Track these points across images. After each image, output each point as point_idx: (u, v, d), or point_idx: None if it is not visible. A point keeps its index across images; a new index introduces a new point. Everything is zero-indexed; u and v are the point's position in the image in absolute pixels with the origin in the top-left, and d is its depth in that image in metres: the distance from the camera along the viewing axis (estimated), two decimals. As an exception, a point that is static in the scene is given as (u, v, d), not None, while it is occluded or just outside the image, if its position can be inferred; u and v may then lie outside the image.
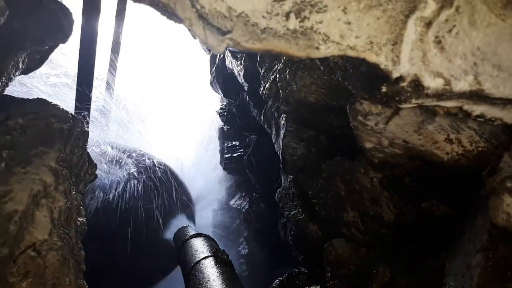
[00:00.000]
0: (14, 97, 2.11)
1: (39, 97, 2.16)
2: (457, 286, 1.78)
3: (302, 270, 3.58)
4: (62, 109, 2.16)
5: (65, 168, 1.99)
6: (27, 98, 2.13)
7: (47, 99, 2.16)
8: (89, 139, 2.44)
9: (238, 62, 4.59)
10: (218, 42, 1.35)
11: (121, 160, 5.30)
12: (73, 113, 2.20)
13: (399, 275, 2.51)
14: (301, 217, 3.44)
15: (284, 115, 3.36)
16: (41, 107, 2.09)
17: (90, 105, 3.75)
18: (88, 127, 3.13)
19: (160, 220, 5.21)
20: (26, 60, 2.08)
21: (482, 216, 1.74)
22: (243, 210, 5.70)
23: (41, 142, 1.92)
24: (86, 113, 3.67)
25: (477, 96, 1.54)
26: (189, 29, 1.42)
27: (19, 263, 1.49)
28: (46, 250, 1.59)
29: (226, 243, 6.56)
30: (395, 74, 1.42)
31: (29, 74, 2.61)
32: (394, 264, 2.60)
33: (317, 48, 1.37)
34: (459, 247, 1.91)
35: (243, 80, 4.62)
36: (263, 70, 3.63)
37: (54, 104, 2.15)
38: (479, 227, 1.75)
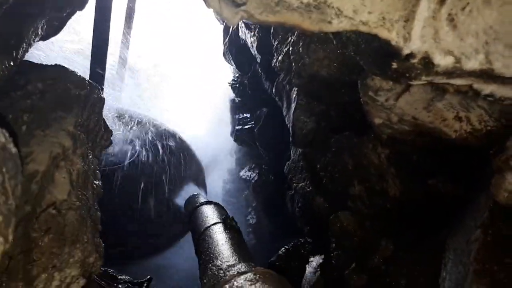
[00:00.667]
0: (33, 62, 2.17)
1: (57, 64, 2.22)
2: (456, 260, 1.84)
3: (308, 240, 3.69)
4: (80, 75, 2.22)
5: (82, 133, 2.07)
6: (45, 64, 2.19)
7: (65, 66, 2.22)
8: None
9: (252, 33, 4.56)
10: (233, 14, 1.38)
11: (135, 129, 5.40)
12: (89, 80, 2.26)
13: (401, 249, 2.57)
14: (309, 189, 3.51)
15: (296, 89, 3.37)
16: (59, 73, 2.15)
17: (104, 72, 3.80)
18: (103, 93, 3.20)
19: (172, 188, 5.35)
20: (45, 26, 2.12)
21: (485, 194, 1.78)
22: (252, 181, 5.81)
23: (60, 107, 1.99)
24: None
25: (487, 75, 1.55)
26: (205, 1, 1.45)
27: (40, 221, 1.59)
28: (66, 209, 1.69)
29: (235, 212, 6.71)
30: (406, 51, 1.44)
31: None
32: (397, 239, 2.66)
33: (330, 22, 1.38)
34: (461, 224, 1.96)
35: (256, 52, 4.60)
36: (276, 42, 3.62)
37: (71, 71, 2.21)
38: (481, 205, 1.79)
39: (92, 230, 1.81)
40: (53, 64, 2.21)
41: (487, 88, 1.66)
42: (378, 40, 1.47)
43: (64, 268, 1.59)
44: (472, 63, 1.48)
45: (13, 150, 0.89)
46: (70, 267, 1.61)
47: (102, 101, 2.33)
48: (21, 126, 1.83)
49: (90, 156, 2.14)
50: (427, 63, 1.49)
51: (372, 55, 1.65)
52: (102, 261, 1.85)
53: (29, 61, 2.15)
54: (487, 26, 1.43)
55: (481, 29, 1.43)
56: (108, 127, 2.48)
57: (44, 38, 2.30)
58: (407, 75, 1.58)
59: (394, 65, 1.56)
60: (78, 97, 2.08)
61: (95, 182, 2.13)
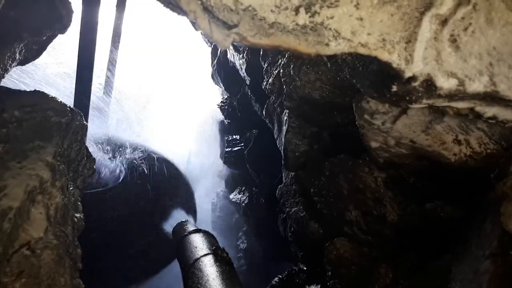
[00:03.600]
0: (10, 88, 2.05)
1: (36, 89, 2.10)
2: (464, 292, 1.74)
3: (302, 268, 3.55)
4: (60, 102, 2.10)
5: (63, 163, 1.93)
6: (24, 90, 2.07)
7: (45, 91, 2.10)
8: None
9: (240, 56, 4.52)
10: (224, 37, 1.29)
11: (121, 153, 5.28)
12: (71, 106, 2.14)
13: (401, 277, 2.47)
14: (302, 214, 3.40)
15: (287, 111, 3.30)
16: (39, 100, 2.03)
17: (90, 96, 3.69)
18: (87, 120, 3.07)
19: (161, 213, 5.21)
20: (23, 51, 2.02)
21: (491, 221, 1.69)
22: (243, 204, 5.69)
23: (38, 136, 1.87)
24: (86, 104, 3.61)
25: (491, 97, 1.48)
26: (193, 23, 1.36)
27: (13, 263, 1.44)
28: (41, 249, 1.54)
29: (225, 237, 6.55)
30: (408, 74, 1.36)
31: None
32: (396, 265, 2.56)
33: (327, 44, 1.31)
34: (466, 252, 1.87)
35: (245, 74, 4.56)
36: (266, 65, 3.57)
37: (52, 97, 2.09)
38: (488, 232, 1.70)
39: (71, 271, 1.65)
40: (31, 90, 2.09)
41: (489, 111, 1.59)
42: (377, 63, 1.40)
43: (38, 317, 1.44)
44: (476, 85, 1.41)
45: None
46: (45, 316, 1.45)
47: (84, 128, 2.21)
48: (-5, 158, 1.69)
49: (71, 188, 2.00)
50: (430, 85, 1.42)
51: (370, 78, 1.57)
52: (82, 305, 1.70)
53: (5, 87, 2.03)
54: (491, 47, 1.36)
55: (484, 50, 1.37)
56: (91, 156, 2.35)
57: (23, 62, 2.19)
58: (407, 98, 1.51)
59: (394, 88, 1.48)
60: (58, 125, 1.96)
61: (76, 215, 1.98)
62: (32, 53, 2.21)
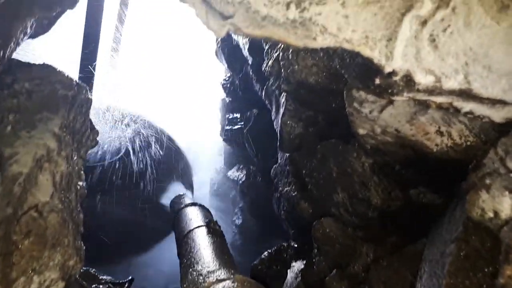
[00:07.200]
0: (20, 61, 2.16)
1: (45, 63, 2.21)
2: (431, 272, 1.89)
3: (291, 244, 3.73)
4: (67, 75, 2.21)
5: (68, 134, 2.07)
6: (33, 63, 2.18)
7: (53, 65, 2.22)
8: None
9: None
10: (220, 27, 1.40)
11: (122, 125, 5.38)
12: (77, 80, 2.26)
13: (381, 257, 2.63)
14: (294, 194, 3.55)
15: (285, 94, 3.41)
16: (47, 73, 2.15)
17: (94, 70, 3.80)
18: (91, 92, 3.19)
19: (159, 186, 5.35)
20: (34, 25, 2.11)
21: (460, 209, 1.83)
22: (240, 181, 5.84)
23: (46, 107, 1.99)
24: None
25: (467, 94, 1.59)
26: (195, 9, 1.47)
27: (22, 223, 1.59)
28: (48, 212, 1.69)
29: (221, 212, 6.74)
30: (388, 69, 1.48)
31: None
32: (377, 246, 2.72)
33: (315, 39, 1.41)
34: (438, 236, 2.01)
35: (247, 54, 4.63)
36: (267, 46, 3.65)
37: (59, 70, 2.20)
38: (457, 218, 1.84)
39: (74, 233, 1.81)
40: (41, 63, 2.20)
41: (466, 106, 1.71)
42: (361, 57, 1.51)
43: (44, 271, 1.60)
44: (452, 83, 1.52)
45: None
46: (49, 270, 1.62)
47: (89, 101, 2.33)
48: (6, 126, 1.83)
49: (75, 157, 2.14)
50: (409, 80, 1.53)
51: (356, 70, 1.69)
52: (83, 264, 1.86)
53: (17, 60, 2.15)
54: (467, 47, 1.47)
55: (461, 50, 1.47)
56: (95, 127, 2.48)
57: (33, 36, 2.30)
58: (390, 91, 1.62)
59: (377, 81, 1.60)
60: (65, 97, 2.08)
61: (79, 183, 2.13)
62: (43, 27, 2.30)
